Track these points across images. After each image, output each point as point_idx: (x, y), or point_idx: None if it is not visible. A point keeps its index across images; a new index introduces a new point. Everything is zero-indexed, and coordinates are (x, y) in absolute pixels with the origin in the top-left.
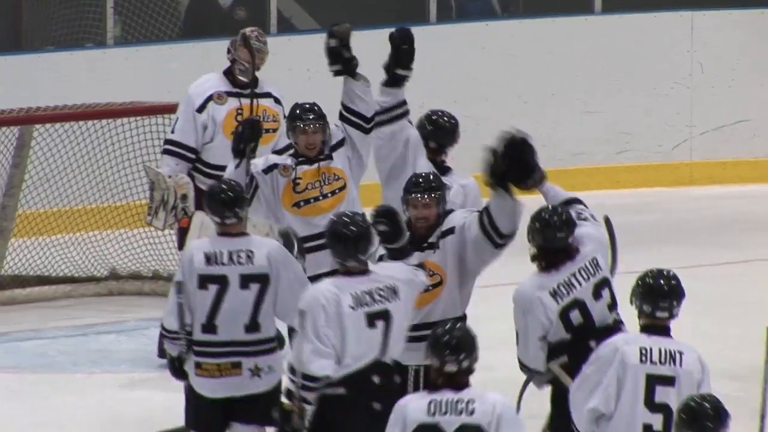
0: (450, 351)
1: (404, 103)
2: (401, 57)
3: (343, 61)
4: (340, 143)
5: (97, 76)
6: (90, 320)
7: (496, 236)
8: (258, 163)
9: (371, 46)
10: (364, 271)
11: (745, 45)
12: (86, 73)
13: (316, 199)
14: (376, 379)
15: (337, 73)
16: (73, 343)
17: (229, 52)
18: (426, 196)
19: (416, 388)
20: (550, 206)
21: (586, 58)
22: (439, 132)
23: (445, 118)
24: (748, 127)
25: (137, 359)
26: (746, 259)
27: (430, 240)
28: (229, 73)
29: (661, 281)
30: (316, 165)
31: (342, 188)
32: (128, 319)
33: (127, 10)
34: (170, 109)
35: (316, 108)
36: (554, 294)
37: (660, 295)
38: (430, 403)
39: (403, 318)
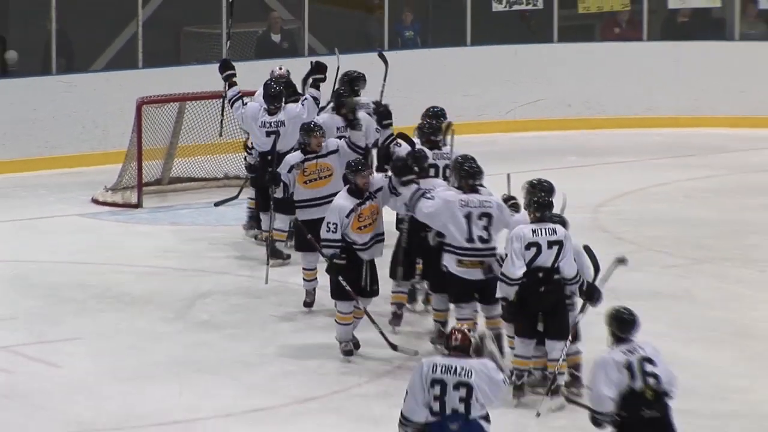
0: None
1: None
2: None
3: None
4: (335, 151)
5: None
6: (215, 199)
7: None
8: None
9: (348, 66)
10: (276, 110)
11: (556, 61)
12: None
13: (314, 179)
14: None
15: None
16: (207, 211)
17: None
18: (368, 173)
19: (367, 273)
20: None
21: (465, 68)
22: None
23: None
24: (543, 103)
25: (242, 218)
26: (553, 167)
27: (366, 195)
28: None
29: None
30: (315, 161)
31: (329, 175)
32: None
33: (235, 42)
34: (251, 93)
35: (319, 124)
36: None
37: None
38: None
39: (291, 139)
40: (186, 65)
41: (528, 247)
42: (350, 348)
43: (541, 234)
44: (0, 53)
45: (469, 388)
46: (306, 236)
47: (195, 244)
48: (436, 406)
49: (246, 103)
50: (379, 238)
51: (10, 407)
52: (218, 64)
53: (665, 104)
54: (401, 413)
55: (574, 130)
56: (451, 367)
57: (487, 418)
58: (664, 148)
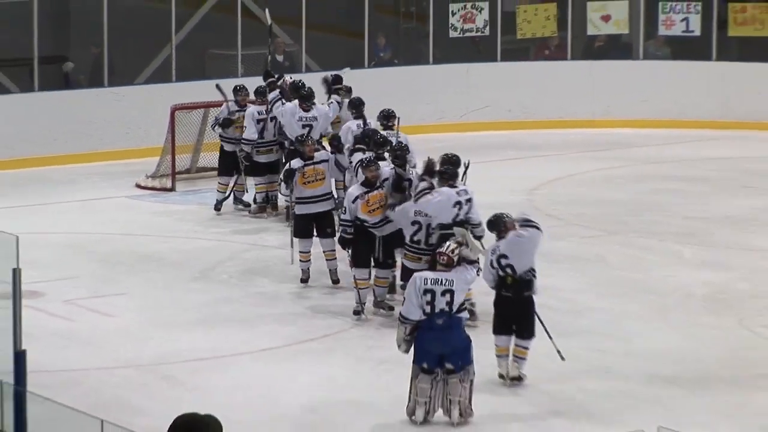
0: None
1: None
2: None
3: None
4: (326, 160)
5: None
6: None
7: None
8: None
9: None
10: (310, 107)
11: (499, 76)
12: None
13: (312, 181)
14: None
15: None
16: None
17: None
18: (375, 167)
19: (380, 247)
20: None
21: (428, 82)
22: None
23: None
24: (489, 109)
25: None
26: (496, 159)
27: (377, 185)
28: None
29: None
30: (312, 166)
31: (323, 178)
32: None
33: (250, 61)
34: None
35: (311, 136)
36: None
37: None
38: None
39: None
40: (210, 79)
41: (454, 205)
42: (360, 309)
43: (461, 195)
44: (73, 72)
45: (452, 293)
46: (304, 225)
47: (217, 219)
48: (428, 308)
49: (284, 103)
50: (390, 219)
51: (72, 348)
52: (261, 76)
53: (585, 109)
54: (401, 314)
55: (513, 130)
56: (438, 280)
57: (461, 309)
58: (584, 145)
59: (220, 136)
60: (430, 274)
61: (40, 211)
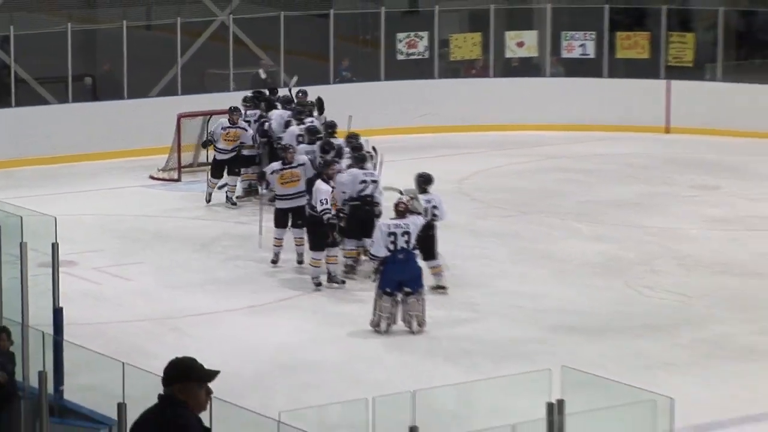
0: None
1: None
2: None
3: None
4: (302, 164)
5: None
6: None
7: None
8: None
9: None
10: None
11: (436, 90)
12: (222, 102)
13: (288, 182)
14: None
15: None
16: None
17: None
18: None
19: (332, 233)
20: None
21: (381, 95)
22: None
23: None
24: (428, 116)
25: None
26: (430, 156)
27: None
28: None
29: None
30: (289, 170)
31: (298, 179)
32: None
33: (239, 78)
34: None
35: (291, 145)
36: None
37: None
38: None
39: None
40: (208, 93)
41: (360, 182)
42: (319, 281)
43: (367, 176)
44: (91, 86)
45: (409, 234)
46: (281, 217)
47: (214, 204)
48: (392, 246)
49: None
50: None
51: (100, 306)
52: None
53: (502, 116)
54: (371, 253)
55: (446, 133)
56: (399, 225)
57: (415, 248)
58: (501, 144)
59: (214, 147)
60: (392, 222)
61: (72, 198)
